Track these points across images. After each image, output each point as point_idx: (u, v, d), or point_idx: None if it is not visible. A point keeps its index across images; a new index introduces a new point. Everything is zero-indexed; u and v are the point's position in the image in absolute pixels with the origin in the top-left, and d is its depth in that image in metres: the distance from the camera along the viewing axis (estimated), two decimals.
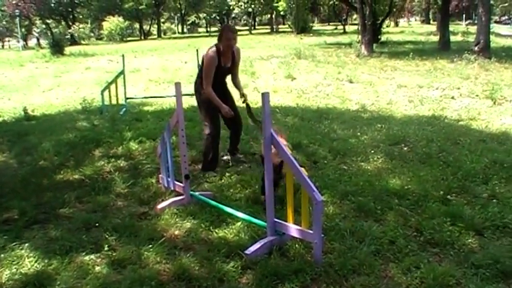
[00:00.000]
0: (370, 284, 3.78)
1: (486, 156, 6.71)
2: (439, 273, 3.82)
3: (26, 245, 4.59)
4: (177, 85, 5.26)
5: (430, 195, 5.44)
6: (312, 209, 4.01)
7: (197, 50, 12.60)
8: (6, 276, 4.04)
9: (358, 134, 8.14)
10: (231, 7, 78.39)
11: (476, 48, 21.04)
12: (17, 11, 57.25)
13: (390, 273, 3.96)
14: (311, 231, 4.05)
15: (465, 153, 6.88)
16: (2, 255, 4.40)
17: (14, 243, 4.60)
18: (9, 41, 79.15)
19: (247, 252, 4.20)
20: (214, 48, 6.51)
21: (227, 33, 6.54)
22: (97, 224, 5.00)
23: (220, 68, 6.53)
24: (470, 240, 4.44)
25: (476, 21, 23.05)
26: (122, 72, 11.90)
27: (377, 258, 4.17)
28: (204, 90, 6.47)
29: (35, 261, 4.25)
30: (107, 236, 4.69)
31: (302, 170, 4.15)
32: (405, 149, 7.36)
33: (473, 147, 7.19)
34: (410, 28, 60.14)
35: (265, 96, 4.11)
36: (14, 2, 59.60)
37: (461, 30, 36.42)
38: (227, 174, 6.46)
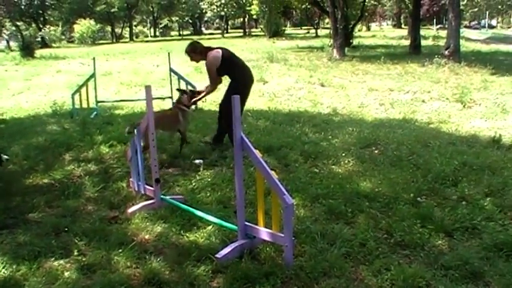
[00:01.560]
0: (340, 286, 3.79)
1: (456, 158, 6.79)
2: (409, 275, 3.85)
3: None
4: (148, 88, 5.23)
5: (400, 197, 5.49)
6: (283, 212, 3.99)
7: (169, 54, 12.53)
8: None
9: (330, 137, 8.18)
10: (204, 11, 78.22)
11: (446, 52, 21.29)
12: None
13: (361, 276, 3.98)
14: (282, 235, 4.05)
15: (435, 155, 6.95)
16: None
17: None
18: None
19: (218, 256, 4.19)
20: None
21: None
22: (66, 229, 4.93)
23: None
24: (440, 242, 4.50)
25: (446, 26, 23.30)
26: (93, 76, 11.77)
27: (348, 260, 4.19)
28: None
29: (3, 267, 4.17)
30: (76, 241, 4.63)
31: (272, 173, 4.15)
32: (376, 152, 7.42)
33: (443, 149, 7.28)
34: (382, 32, 60.59)
35: (234, 99, 4.11)
36: None
37: (432, 34, 36.80)
38: (198, 177, 6.43)
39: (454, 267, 4.01)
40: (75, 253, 4.38)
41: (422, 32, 38.44)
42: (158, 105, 11.93)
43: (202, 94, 7.68)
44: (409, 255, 4.31)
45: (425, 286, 3.79)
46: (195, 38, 63.87)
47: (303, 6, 49.84)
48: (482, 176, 6.15)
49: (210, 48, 7.54)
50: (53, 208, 5.61)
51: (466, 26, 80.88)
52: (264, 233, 4.25)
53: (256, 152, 4.28)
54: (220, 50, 7.51)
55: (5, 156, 6.80)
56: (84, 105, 11.17)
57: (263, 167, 4.12)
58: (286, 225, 3.97)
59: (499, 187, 5.76)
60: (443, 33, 29.44)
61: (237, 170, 4.32)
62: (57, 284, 3.89)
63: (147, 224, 5.01)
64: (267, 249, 4.35)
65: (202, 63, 7.69)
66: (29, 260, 4.27)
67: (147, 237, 4.76)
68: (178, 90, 7.91)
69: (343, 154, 7.21)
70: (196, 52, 7.59)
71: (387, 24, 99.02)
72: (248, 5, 62.00)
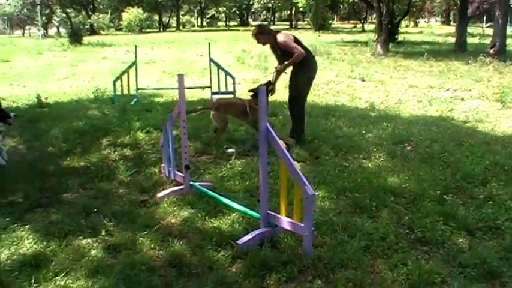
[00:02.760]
0: (356, 278, 3.85)
1: (488, 158, 6.74)
2: (425, 271, 3.90)
3: (27, 227, 4.76)
4: (180, 77, 5.38)
5: (426, 194, 5.50)
6: (303, 203, 4.08)
7: (209, 44, 12.68)
8: (5, 256, 4.21)
9: (363, 131, 8.19)
10: (251, 2, 78.29)
11: (491, 51, 20.91)
12: None
13: (377, 269, 4.03)
14: (302, 224, 4.13)
15: (466, 154, 6.91)
16: (3, 236, 4.57)
17: (15, 225, 4.78)
18: (29, 29, 79.69)
19: (238, 242, 4.31)
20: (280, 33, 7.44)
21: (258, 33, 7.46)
22: (96, 210, 5.14)
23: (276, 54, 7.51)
24: (460, 240, 4.51)
25: None
26: (135, 63, 12.02)
27: (366, 253, 4.25)
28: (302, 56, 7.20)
29: (34, 243, 4.42)
30: (105, 222, 4.84)
31: (295, 164, 4.23)
32: (408, 148, 7.41)
33: (476, 149, 7.22)
34: (430, 29, 59.57)
35: (261, 89, 4.21)
36: None
37: (479, 32, 36.07)
38: (228, 166, 6.57)
39: (472, 265, 4.02)
40: (103, 233, 4.58)
41: (471, 30, 37.72)
42: (198, 94, 12.19)
43: (285, 64, 7.31)
44: (428, 251, 4.34)
45: (440, 283, 3.82)
46: (241, 29, 64.31)
47: (350, 0, 49.45)
48: None
49: (277, 31, 7.48)
50: (86, 190, 5.83)
51: None
52: (285, 222, 4.35)
53: (281, 143, 4.37)
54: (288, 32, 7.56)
55: (13, 114, 7.03)
56: (125, 91, 11.42)
57: (287, 158, 4.21)
58: (306, 215, 4.06)
59: None
60: (490, 31, 28.84)
61: (262, 161, 4.43)
62: (83, 261, 4.08)
63: (175, 208, 5.18)
64: (288, 238, 4.45)
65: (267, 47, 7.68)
66: (59, 237, 4.50)
67: (173, 221, 4.92)
68: (251, 91, 7.64)
69: (375, 149, 7.23)
70: (264, 33, 7.44)
71: (436, 21, 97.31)
72: None
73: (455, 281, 3.83)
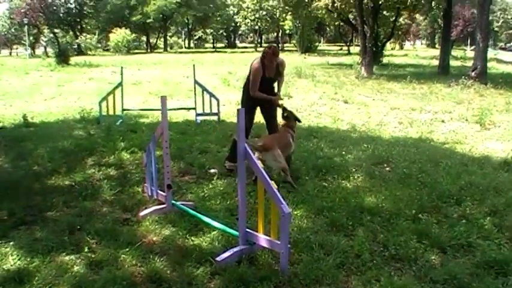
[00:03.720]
0: None
1: (464, 178, 6.93)
2: (397, 286, 4.06)
3: (11, 243, 4.86)
4: (163, 98, 5.53)
5: (402, 213, 5.66)
6: (280, 221, 4.22)
7: (194, 66, 12.93)
8: None
9: (344, 152, 8.36)
10: (238, 24, 79.00)
11: (473, 74, 21.24)
12: (25, 19, 57.85)
13: (351, 285, 4.18)
14: (278, 242, 4.27)
15: (443, 174, 7.10)
16: None
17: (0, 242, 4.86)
18: (17, 48, 79.75)
19: (217, 259, 4.45)
20: (258, 60, 7.22)
21: (270, 56, 7.17)
22: (79, 228, 5.25)
23: (264, 78, 7.24)
24: (433, 257, 4.66)
25: None
26: (120, 84, 12.17)
27: (341, 270, 4.40)
28: (251, 94, 7.25)
29: (18, 259, 4.52)
30: (88, 239, 4.96)
31: (272, 183, 4.38)
32: (387, 168, 7.58)
33: (453, 169, 7.40)
34: (415, 51, 60.48)
35: (240, 111, 4.38)
36: (22, 10, 60.20)
37: (461, 55, 36.63)
38: (210, 186, 6.71)
39: (443, 281, 4.18)
40: (86, 250, 4.70)
41: (455, 53, 38.46)
42: (183, 116, 12.33)
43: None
44: (401, 268, 4.49)
45: None
46: (228, 50, 64.75)
47: (336, 23, 50.07)
48: (487, 196, 6.26)
49: None
50: (71, 208, 5.94)
51: (501, 48, 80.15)
52: (263, 240, 4.49)
53: (258, 163, 4.53)
54: (259, 61, 7.30)
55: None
56: (111, 112, 11.55)
57: (264, 177, 4.37)
58: (283, 232, 4.20)
59: (502, 208, 5.86)
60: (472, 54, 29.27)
61: (240, 179, 4.58)
62: (66, 277, 4.20)
63: (156, 226, 5.31)
64: (265, 255, 4.60)
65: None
66: (43, 254, 4.61)
67: (154, 239, 5.05)
68: (284, 111, 7.37)
69: (354, 170, 7.40)
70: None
71: (421, 44, 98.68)
72: (282, 20, 62.43)
73: None
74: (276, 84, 7.53)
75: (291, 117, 7.35)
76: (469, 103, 15.23)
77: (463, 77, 20.11)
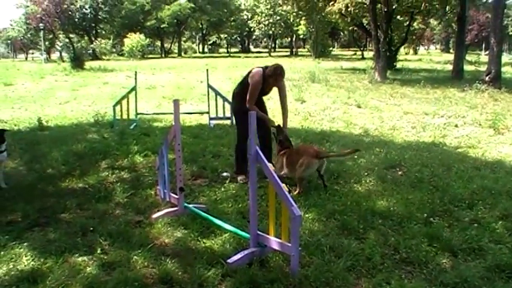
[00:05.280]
0: None
1: (476, 182, 6.91)
2: None
3: (25, 244, 4.93)
4: (176, 102, 5.57)
5: (413, 217, 5.66)
6: (290, 223, 4.25)
7: (207, 70, 13.01)
8: (3, 272, 4.39)
9: (356, 156, 8.34)
10: (252, 29, 79.17)
11: (487, 78, 21.15)
12: (41, 24, 58.50)
13: (361, 287, 4.19)
14: (289, 244, 4.30)
15: (455, 179, 7.09)
16: (2, 253, 4.74)
17: (14, 243, 4.94)
18: (33, 53, 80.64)
19: (229, 261, 4.48)
20: (260, 73, 7.18)
21: (278, 76, 7.19)
22: (92, 229, 5.32)
23: (261, 90, 7.27)
24: (444, 261, 4.66)
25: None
26: (134, 88, 12.28)
27: (351, 273, 4.42)
28: (248, 107, 7.07)
29: (32, 260, 4.58)
30: (101, 241, 5.01)
31: (283, 185, 4.41)
32: (399, 173, 7.58)
33: (465, 173, 7.38)
34: (429, 56, 60.29)
35: (251, 115, 4.41)
36: (38, 15, 60.90)
37: (475, 59, 36.46)
38: (223, 189, 6.75)
39: (453, 284, 4.19)
40: (98, 251, 4.75)
41: (470, 58, 38.26)
42: (196, 119, 12.40)
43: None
44: (412, 271, 4.50)
45: None
46: (242, 55, 64.87)
47: (350, 28, 50.04)
48: (499, 200, 6.24)
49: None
50: (84, 210, 6.01)
51: None
52: (274, 242, 4.52)
53: (270, 165, 4.57)
54: (261, 74, 7.27)
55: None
56: (125, 116, 11.63)
57: (275, 179, 4.40)
58: (293, 235, 4.23)
59: None
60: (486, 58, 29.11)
61: (251, 182, 4.62)
62: (79, 277, 4.25)
63: (168, 229, 5.36)
64: (276, 257, 4.63)
65: None
66: (56, 255, 4.67)
67: (166, 241, 5.09)
68: (279, 133, 7.32)
69: (366, 174, 7.41)
70: None
71: (436, 48, 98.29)
72: (296, 25, 62.52)
73: None
74: (278, 99, 7.48)
75: (284, 142, 7.26)
76: (483, 108, 15.14)
77: (477, 81, 20.05)
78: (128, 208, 6.07)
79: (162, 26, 72.14)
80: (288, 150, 7.08)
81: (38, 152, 8.79)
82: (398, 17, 34.06)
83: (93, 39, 65.22)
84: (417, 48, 77.03)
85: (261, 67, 7.33)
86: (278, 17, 68.95)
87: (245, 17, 78.88)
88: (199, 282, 4.20)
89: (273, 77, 7.13)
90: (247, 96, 7.17)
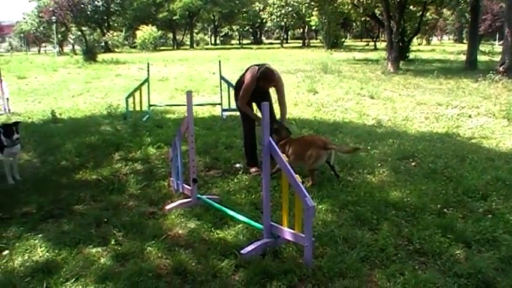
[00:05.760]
0: (353, 286, 4.02)
1: (490, 173, 6.88)
2: (421, 280, 4.06)
3: (40, 236, 4.99)
4: (188, 94, 5.58)
5: (427, 208, 5.65)
6: (303, 214, 4.25)
7: (219, 62, 13.01)
8: (19, 262, 4.44)
9: (369, 147, 8.33)
10: (264, 20, 78.90)
11: (501, 68, 20.94)
12: (53, 17, 58.77)
13: (375, 278, 4.19)
14: (303, 235, 4.30)
15: (469, 169, 7.05)
16: (17, 244, 4.80)
17: (28, 234, 5.01)
18: (45, 46, 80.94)
19: (242, 252, 4.50)
20: (254, 73, 7.14)
21: (267, 81, 7.15)
22: (106, 221, 5.37)
23: (257, 88, 7.19)
24: (457, 252, 4.64)
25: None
26: (147, 80, 12.30)
27: (365, 263, 4.42)
28: (240, 105, 7.35)
29: (46, 251, 4.64)
30: (115, 232, 5.05)
31: (296, 176, 4.41)
32: (412, 164, 7.54)
33: (479, 164, 7.34)
34: (442, 46, 59.82)
35: (264, 106, 4.41)
36: (51, 9, 61.14)
37: (489, 50, 36.11)
38: (236, 180, 6.76)
39: (467, 275, 4.17)
40: (112, 242, 4.79)
41: (483, 48, 37.87)
42: (209, 111, 12.41)
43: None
44: (425, 262, 4.49)
45: None
46: (254, 47, 64.79)
47: (363, 19, 49.75)
48: None
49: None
50: (97, 202, 6.06)
51: None
52: (287, 233, 4.53)
53: (283, 156, 4.56)
54: (256, 72, 7.20)
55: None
56: (138, 108, 11.65)
57: (288, 170, 4.40)
58: (307, 226, 4.23)
59: None
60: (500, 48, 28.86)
61: (265, 173, 4.62)
62: (93, 268, 4.30)
63: (182, 220, 5.39)
64: (290, 248, 4.64)
65: None
66: (70, 246, 4.73)
67: (180, 232, 5.12)
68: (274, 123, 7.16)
69: (379, 165, 7.39)
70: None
71: (449, 39, 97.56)
72: (308, 16, 62.17)
73: None
74: (276, 96, 7.42)
75: (280, 130, 7.15)
76: (497, 98, 14.99)
77: (490, 71, 19.84)
78: (141, 199, 6.11)
79: (174, 18, 72.09)
80: (289, 140, 7.07)
81: (51, 144, 8.84)
82: (411, 7, 33.72)
83: (105, 31, 65.30)
84: (430, 38, 76.60)
85: (258, 65, 7.32)
86: (290, 8, 68.51)
87: (257, 8, 78.54)
88: (213, 273, 4.22)
89: (262, 80, 7.11)
90: (240, 95, 7.28)
